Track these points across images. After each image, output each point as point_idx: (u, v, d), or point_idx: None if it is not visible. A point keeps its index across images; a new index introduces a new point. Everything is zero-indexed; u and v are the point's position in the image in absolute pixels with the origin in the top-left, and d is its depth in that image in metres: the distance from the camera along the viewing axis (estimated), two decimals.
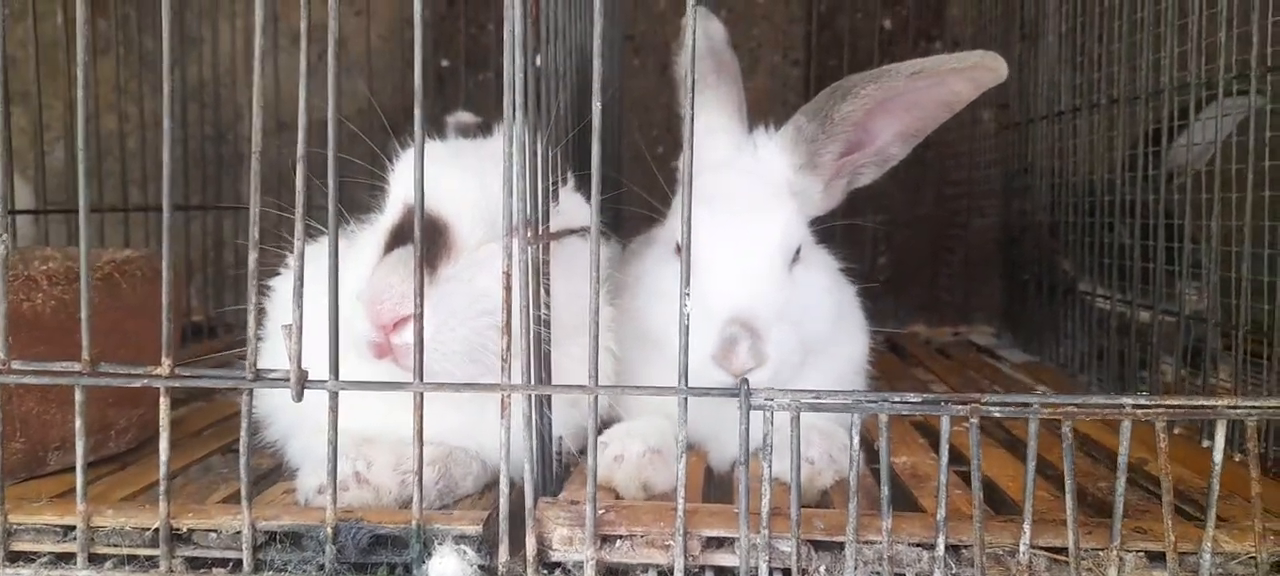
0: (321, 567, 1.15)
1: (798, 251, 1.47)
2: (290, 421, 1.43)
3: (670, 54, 3.69)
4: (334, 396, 1.13)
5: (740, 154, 1.57)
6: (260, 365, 1.13)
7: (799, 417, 1.10)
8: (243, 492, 1.14)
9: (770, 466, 1.09)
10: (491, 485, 1.38)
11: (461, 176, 1.29)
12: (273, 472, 1.46)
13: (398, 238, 1.25)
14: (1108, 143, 2.28)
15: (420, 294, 1.11)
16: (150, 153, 3.26)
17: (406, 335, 1.19)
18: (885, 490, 1.07)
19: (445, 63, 3.67)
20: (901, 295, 3.23)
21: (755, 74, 3.53)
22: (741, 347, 1.32)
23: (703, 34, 1.66)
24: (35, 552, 1.18)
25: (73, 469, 1.40)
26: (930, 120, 1.49)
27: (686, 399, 1.11)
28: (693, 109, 1.15)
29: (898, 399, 1.08)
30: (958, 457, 1.53)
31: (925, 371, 2.36)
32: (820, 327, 1.49)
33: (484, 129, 1.69)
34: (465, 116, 1.81)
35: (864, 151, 1.54)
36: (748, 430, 1.09)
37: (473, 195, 1.29)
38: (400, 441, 1.29)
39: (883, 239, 3.33)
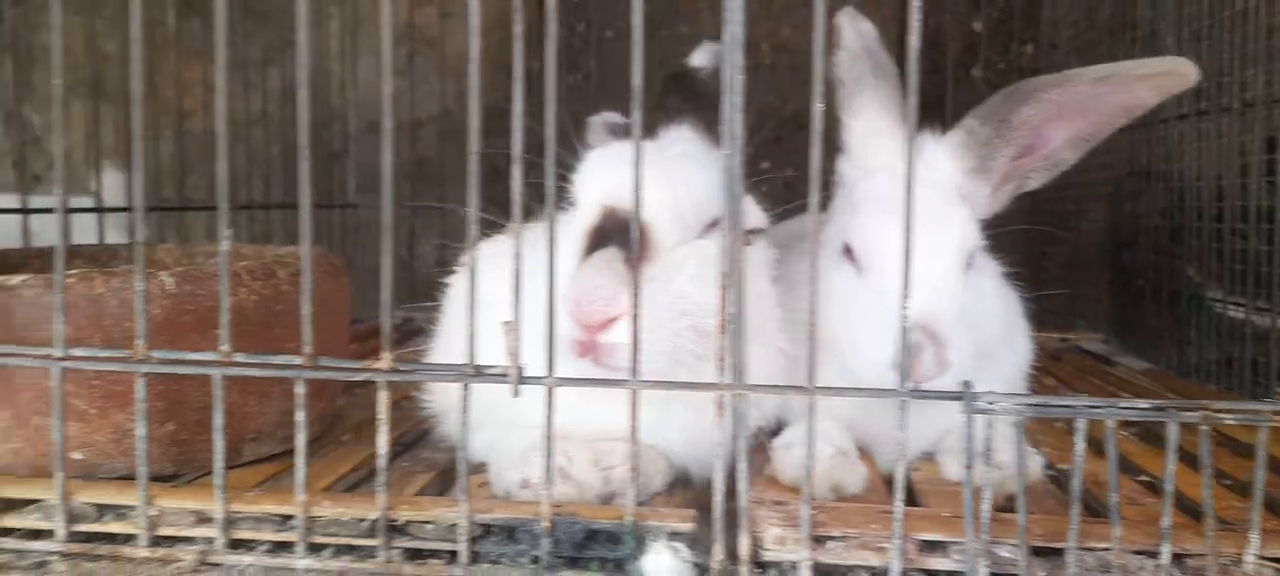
0: (536, 560, 1.17)
1: (970, 257, 1.47)
2: (472, 417, 1.45)
3: (761, 55, 3.70)
4: (550, 392, 1.15)
5: (904, 158, 1.56)
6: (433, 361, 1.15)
7: (1022, 423, 1.09)
8: (461, 486, 1.16)
9: (989, 470, 1.09)
10: (675, 482, 1.39)
11: (657, 179, 1.30)
12: (451, 467, 1.48)
13: (597, 239, 1.26)
14: (1239, 147, 2.25)
15: (637, 293, 1.13)
16: (242, 152, 3.33)
17: (612, 335, 1.21)
18: (1114, 497, 1.07)
19: (538, 64, 3.70)
20: None
21: None
22: (926, 355, 1.32)
23: (856, 34, 1.66)
24: (255, 540, 1.21)
25: (267, 459, 1.46)
26: (1106, 125, 1.48)
27: (907, 402, 1.12)
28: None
29: (1125, 405, 1.07)
30: (1124, 464, 1.52)
31: (1050, 378, 2.34)
32: (992, 333, 1.49)
33: (649, 130, 1.70)
34: (612, 117, 1.83)
35: (1035, 156, 1.53)
36: (973, 434, 1.09)
37: (667, 197, 1.30)
38: (595, 438, 1.31)
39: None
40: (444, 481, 1.43)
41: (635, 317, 1.13)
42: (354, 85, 3.32)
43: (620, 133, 1.77)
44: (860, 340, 1.41)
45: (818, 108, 1.11)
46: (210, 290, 1.33)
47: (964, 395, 1.10)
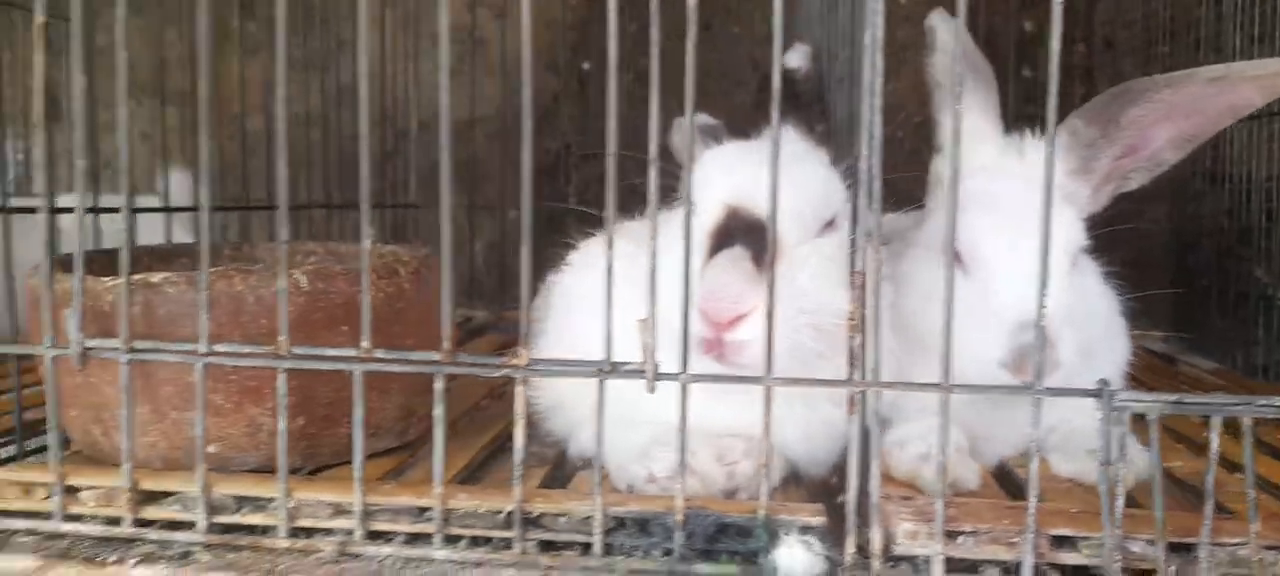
0: (668, 552, 1.19)
1: (1074, 257, 1.49)
2: (581, 413, 1.48)
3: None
4: (684, 388, 1.17)
5: (1005, 158, 1.58)
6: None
7: (1158, 420, 1.11)
8: (595, 480, 1.19)
9: (1122, 467, 1.10)
10: (788, 478, 1.42)
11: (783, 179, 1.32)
12: (562, 462, 1.51)
13: (722, 238, 1.29)
14: None
15: (773, 290, 1.15)
16: (295, 151, 3.35)
17: (740, 333, 1.24)
18: (1251, 493, 1.08)
19: (587, 65, 3.74)
20: None
21: (899, 75, 3.53)
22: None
23: (952, 36, 1.68)
24: (392, 532, 1.24)
25: (384, 453, 1.48)
26: (1211, 126, 1.49)
27: (1042, 400, 1.14)
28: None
29: (1263, 402, 1.09)
30: (1233, 465, 1.54)
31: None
32: (1095, 333, 1.50)
33: (739, 131, 1.72)
34: (706, 119, 1.85)
35: (1137, 156, 1.54)
36: (1110, 431, 1.10)
37: (788, 197, 1.31)
38: (717, 434, 1.33)
39: None
40: (557, 475, 1.46)
41: (770, 315, 1.15)
42: (416, 84, 3.34)
43: (714, 135, 1.79)
44: (968, 339, 1.42)
45: (956, 110, 1.14)
46: (340, 288, 1.36)
47: (1101, 393, 1.12)
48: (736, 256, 1.25)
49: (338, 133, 3.43)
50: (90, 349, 1.26)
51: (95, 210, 1.35)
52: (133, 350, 1.24)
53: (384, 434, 1.46)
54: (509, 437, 1.67)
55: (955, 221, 1.15)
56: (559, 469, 1.49)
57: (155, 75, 2.91)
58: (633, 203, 1.55)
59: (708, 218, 1.32)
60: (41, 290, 1.28)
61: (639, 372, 1.17)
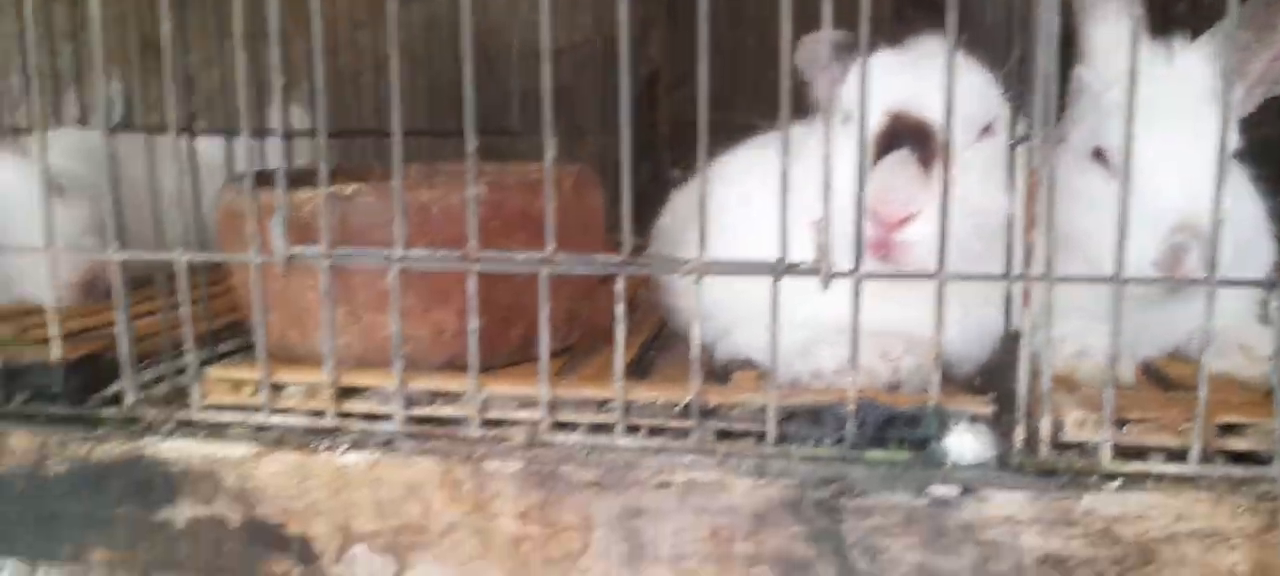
0: (840, 441, 1.26)
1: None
2: (734, 315, 1.55)
3: None
4: (857, 284, 1.23)
5: (1153, 63, 1.58)
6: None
7: None
8: (771, 376, 1.26)
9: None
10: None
11: (937, 86, 1.35)
12: (715, 366, 1.59)
13: (887, 142, 1.33)
14: None
15: (946, 190, 1.20)
16: (384, 85, 3.42)
17: (909, 233, 1.29)
18: None
19: None
20: None
21: None
22: (1191, 255, 1.36)
23: None
24: (575, 422, 1.33)
25: (558, 354, 1.57)
26: None
27: (1215, 292, 1.17)
28: None
29: None
30: None
31: None
32: (1244, 234, 1.51)
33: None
34: (836, 34, 1.86)
35: None
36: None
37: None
38: (876, 333, 1.39)
39: None
40: (712, 377, 1.54)
41: (944, 212, 1.19)
42: (513, 11, 3.38)
43: (847, 48, 1.81)
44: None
45: (1134, 14, 1.15)
46: (514, 199, 1.45)
47: (1275, 283, 1.15)
48: (904, 159, 1.29)
49: (427, 64, 3.51)
50: (293, 256, 1.36)
51: (290, 135, 1.45)
52: (333, 256, 1.34)
53: (551, 336, 1.55)
54: (651, 345, 1.75)
55: (1132, 121, 1.17)
56: (712, 372, 1.56)
57: (256, 14, 3.00)
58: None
59: (872, 124, 1.36)
60: (245, 203, 1.38)
61: (814, 271, 1.22)
